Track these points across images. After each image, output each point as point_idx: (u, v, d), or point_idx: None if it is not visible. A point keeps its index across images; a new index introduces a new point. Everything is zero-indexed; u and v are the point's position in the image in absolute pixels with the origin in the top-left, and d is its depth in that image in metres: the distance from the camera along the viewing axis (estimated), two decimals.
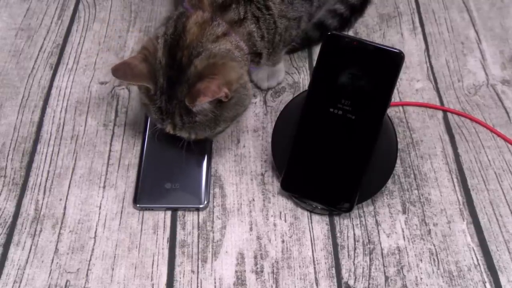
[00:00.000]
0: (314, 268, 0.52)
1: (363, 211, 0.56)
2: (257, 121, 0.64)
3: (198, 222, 0.56)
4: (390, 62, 0.51)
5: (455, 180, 0.58)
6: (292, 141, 0.55)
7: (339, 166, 0.54)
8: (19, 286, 0.51)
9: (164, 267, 0.53)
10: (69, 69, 0.71)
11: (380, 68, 0.52)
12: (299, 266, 0.53)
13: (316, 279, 0.52)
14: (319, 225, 0.55)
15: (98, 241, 0.54)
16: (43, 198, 0.58)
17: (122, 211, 0.57)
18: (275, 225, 0.56)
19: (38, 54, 0.72)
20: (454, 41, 0.72)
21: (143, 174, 0.58)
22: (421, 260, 0.53)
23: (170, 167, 0.59)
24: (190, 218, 0.56)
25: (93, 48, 0.73)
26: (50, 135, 0.64)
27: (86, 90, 0.68)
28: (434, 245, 0.54)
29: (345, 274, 0.52)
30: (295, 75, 0.69)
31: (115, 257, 0.53)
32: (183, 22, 0.55)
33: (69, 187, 0.59)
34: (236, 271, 0.52)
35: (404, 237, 0.54)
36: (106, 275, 0.52)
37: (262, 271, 0.52)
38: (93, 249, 0.54)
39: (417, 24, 0.74)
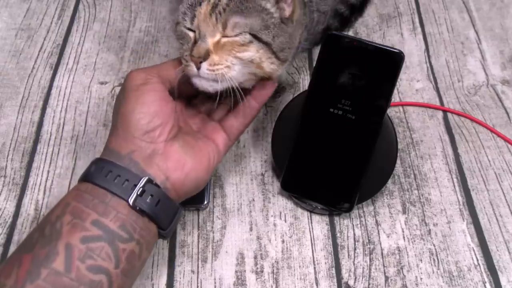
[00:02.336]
0: (314, 268, 0.52)
1: (363, 211, 0.56)
2: (257, 121, 0.64)
3: (198, 222, 0.56)
4: (390, 62, 0.51)
5: (455, 180, 0.58)
6: (292, 141, 0.55)
7: (339, 166, 0.54)
8: None
9: (164, 267, 0.53)
10: (69, 69, 0.71)
11: (380, 68, 0.52)
12: (299, 266, 0.53)
13: (316, 279, 0.52)
14: (319, 225, 0.55)
15: None
16: (43, 198, 0.58)
17: None
18: (275, 225, 0.56)
19: (38, 54, 0.72)
20: (454, 41, 0.72)
21: None
22: (421, 260, 0.53)
23: None
24: (190, 218, 0.56)
25: (93, 48, 0.73)
26: (50, 135, 0.64)
27: (86, 90, 0.68)
28: (434, 245, 0.54)
29: (345, 274, 0.52)
30: (295, 75, 0.69)
31: None
32: None
33: (69, 187, 0.59)
34: (236, 271, 0.52)
35: (404, 237, 0.54)
36: None
37: (262, 271, 0.52)
38: None
39: (417, 24, 0.74)
